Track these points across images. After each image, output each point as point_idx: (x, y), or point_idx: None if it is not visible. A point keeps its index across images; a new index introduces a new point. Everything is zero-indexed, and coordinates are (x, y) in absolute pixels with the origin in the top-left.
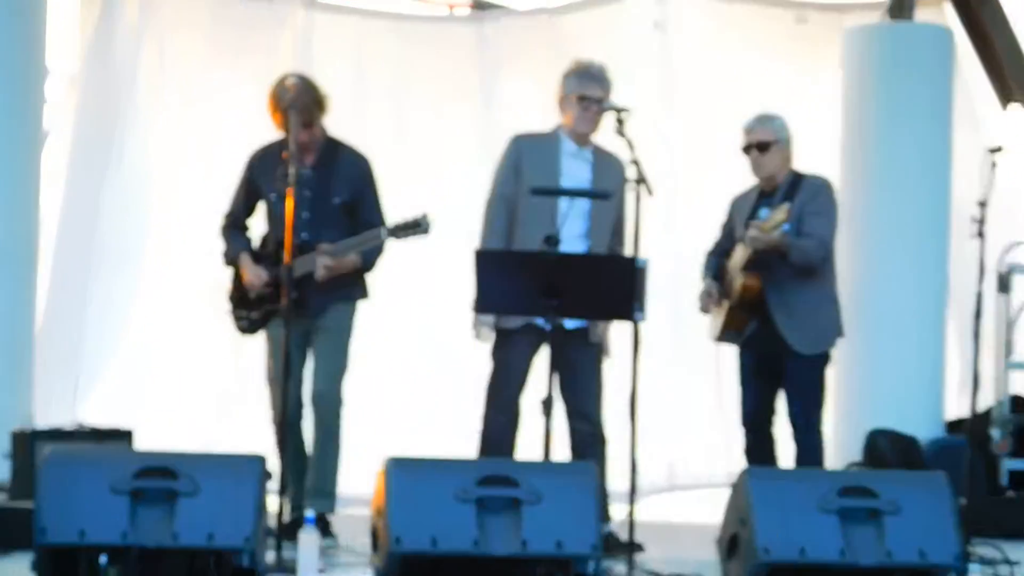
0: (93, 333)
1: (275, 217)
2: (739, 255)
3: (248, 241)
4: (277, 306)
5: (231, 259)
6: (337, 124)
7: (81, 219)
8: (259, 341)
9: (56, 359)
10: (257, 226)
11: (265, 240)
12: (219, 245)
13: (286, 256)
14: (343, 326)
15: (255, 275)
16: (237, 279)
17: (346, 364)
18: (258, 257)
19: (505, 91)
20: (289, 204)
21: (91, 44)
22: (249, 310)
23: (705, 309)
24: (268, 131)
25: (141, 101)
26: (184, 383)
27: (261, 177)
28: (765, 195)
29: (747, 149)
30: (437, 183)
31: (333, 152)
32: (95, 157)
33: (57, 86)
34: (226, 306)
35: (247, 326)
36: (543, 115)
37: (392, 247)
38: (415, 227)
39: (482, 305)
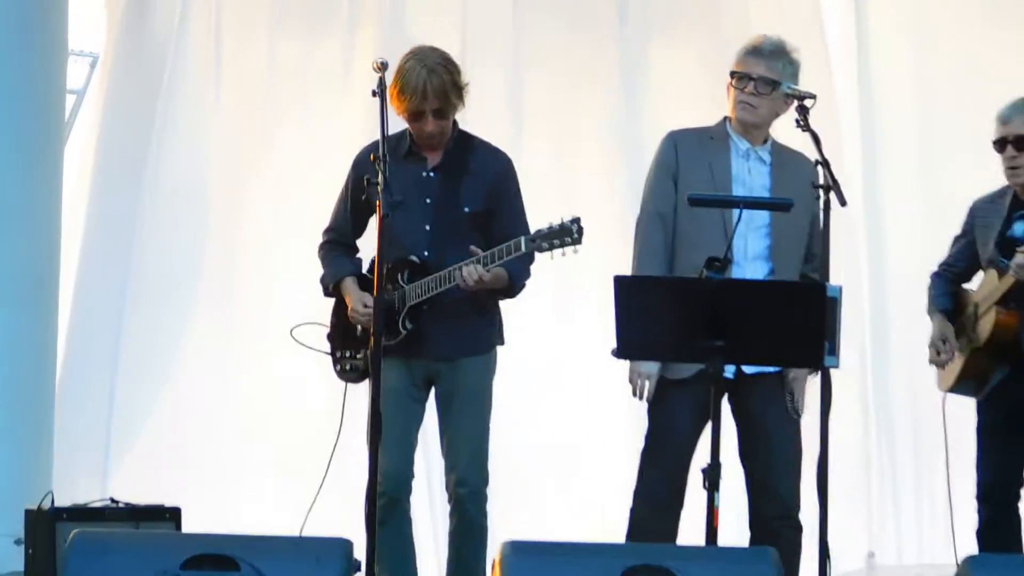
0: (127, 384)
1: (390, 234)
2: (990, 284)
3: (356, 264)
4: (391, 341)
5: (332, 286)
6: None
7: (111, 237)
8: (360, 390)
9: (81, 418)
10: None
11: (375, 264)
12: (316, 269)
13: (376, 282)
14: (482, 386)
15: (360, 302)
16: (340, 311)
17: (488, 436)
18: (366, 284)
19: (654, 73)
20: (382, 217)
21: (123, 18)
22: (355, 350)
23: (940, 363)
24: (361, 125)
25: (187, 88)
26: (243, 448)
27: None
28: (1021, 204)
29: (1000, 144)
30: (566, 189)
31: (464, 149)
32: (128, 158)
33: (80, 70)
34: (326, 347)
35: (352, 371)
36: (705, 105)
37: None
38: (564, 236)
39: (624, 347)
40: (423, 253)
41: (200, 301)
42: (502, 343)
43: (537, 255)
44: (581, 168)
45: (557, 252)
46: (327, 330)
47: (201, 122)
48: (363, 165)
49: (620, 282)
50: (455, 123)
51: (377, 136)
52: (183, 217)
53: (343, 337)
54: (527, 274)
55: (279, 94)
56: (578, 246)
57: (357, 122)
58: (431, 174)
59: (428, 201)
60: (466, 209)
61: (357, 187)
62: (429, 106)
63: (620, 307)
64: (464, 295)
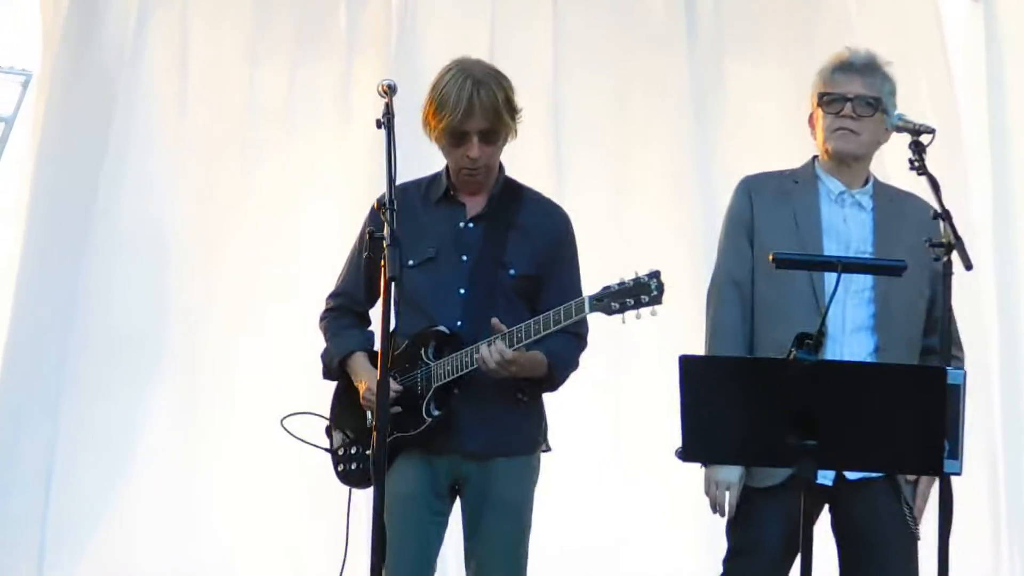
0: (65, 487)
1: (413, 297)
2: None
3: (368, 338)
4: (412, 431)
5: (337, 364)
6: None
7: (49, 293)
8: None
9: (5, 531)
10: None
11: (392, 336)
12: (311, 341)
13: (381, 360)
14: (521, 495)
15: (376, 383)
16: (344, 397)
17: (526, 561)
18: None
19: (731, 99)
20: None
21: (64, 27)
22: (364, 446)
23: None
24: (363, 163)
25: (145, 114)
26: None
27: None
28: None
29: None
30: (618, 243)
31: (512, 198)
32: (71, 197)
33: (9, 90)
34: (324, 441)
35: (360, 473)
36: (797, 139)
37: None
38: (639, 293)
39: (692, 447)
40: (455, 323)
41: (159, 376)
42: (547, 448)
43: (600, 319)
44: (638, 218)
45: (630, 314)
46: (326, 422)
47: (162, 155)
48: (383, 212)
49: (688, 364)
50: (501, 167)
51: (398, 178)
52: (139, 268)
53: (348, 429)
54: (573, 363)
55: (259, 124)
56: (657, 306)
57: (358, 160)
58: (470, 225)
59: (465, 259)
60: (512, 272)
61: (371, 241)
62: (475, 126)
63: (687, 396)
64: (508, 378)
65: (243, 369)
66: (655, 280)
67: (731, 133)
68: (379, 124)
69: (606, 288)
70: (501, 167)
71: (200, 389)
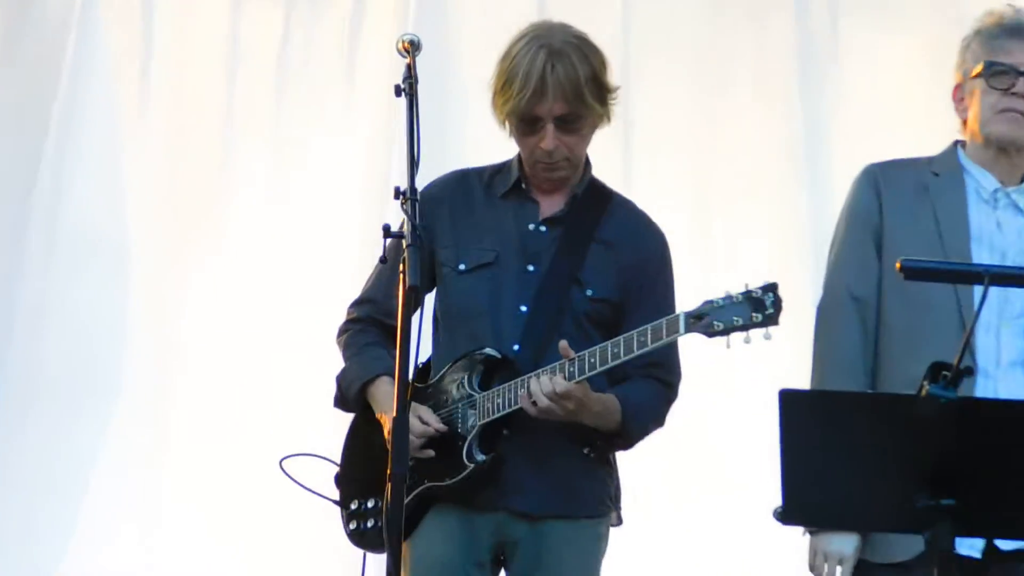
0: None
1: (461, 310)
2: None
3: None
4: (448, 481)
5: (357, 391)
6: None
7: None
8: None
9: None
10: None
11: (427, 367)
12: (322, 367)
13: (398, 392)
14: (584, 569)
15: (413, 420)
16: (360, 433)
17: None
18: (418, 392)
19: (848, 68)
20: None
21: None
22: (383, 499)
23: None
24: (373, 142)
25: (97, 89)
26: None
27: (444, 232)
28: None
29: None
30: (706, 245)
31: (597, 202)
32: (5, 194)
33: None
34: (334, 492)
35: (375, 531)
36: (930, 121)
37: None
38: (752, 311)
39: (795, 507)
40: (511, 346)
41: (116, 422)
42: (619, 521)
43: (696, 344)
44: (728, 219)
45: (738, 337)
46: (336, 466)
47: (119, 141)
48: (429, 206)
49: (789, 400)
50: (588, 163)
51: (422, 161)
52: (90, 284)
53: (365, 477)
54: (656, 417)
55: (242, 96)
56: (773, 327)
57: (366, 135)
58: (542, 228)
59: (532, 269)
60: (589, 292)
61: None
62: (549, 109)
63: (789, 441)
64: (573, 423)
65: (224, 400)
66: (771, 294)
67: (847, 114)
68: (398, 91)
69: (708, 303)
70: (588, 163)
71: (170, 425)
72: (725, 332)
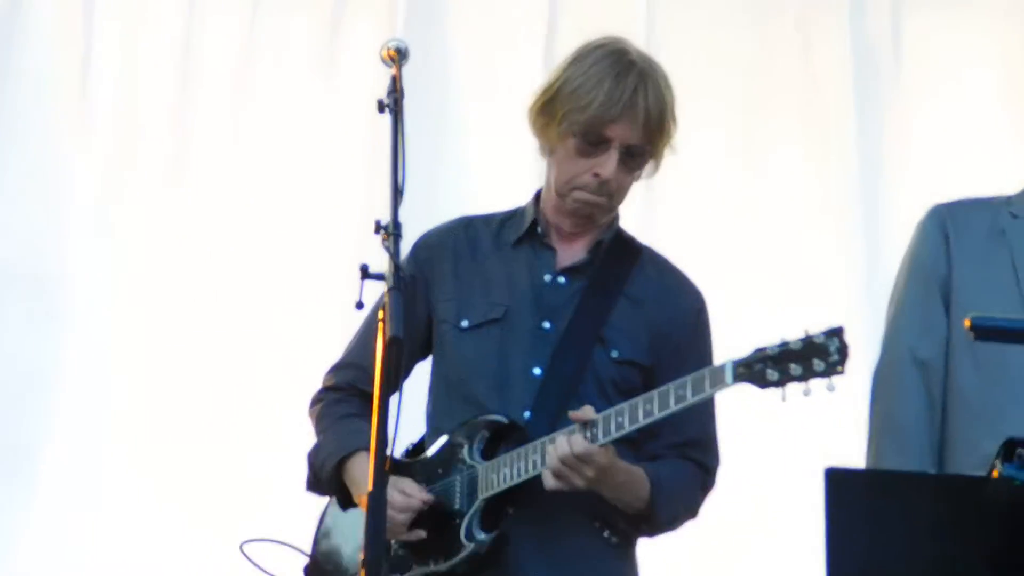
0: None
1: (460, 374)
2: None
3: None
4: (440, 567)
5: (332, 469)
6: None
7: None
8: None
9: None
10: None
11: (421, 446)
12: (300, 441)
13: (374, 464)
14: None
15: (394, 493)
16: (336, 518)
17: None
18: (406, 467)
19: (907, 66)
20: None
21: None
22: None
23: None
24: (364, 155)
25: (37, 72)
26: None
27: (445, 285)
28: None
29: None
30: (749, 286)
31: (625, 254)
32: None
33: None
34: None
35: None
36: (993, 152)
37: None
38: (813, 357)
39: None
40: (522, 413)
41: (41, 490)
42: None
43: (742, 397)
44: (764, 261)
45: (796, 388)
46: (305, 556)
47: (62, 131)
48: (425, 256)
49: (837, 480)
50: (616, 214)
51: (408, 189)
52: (11, 324)
53: (339, 569)
54: (689, 503)
55: (196, 111)
56: (837, 376)
57: (345, 154)
58: (560, 279)
59: (548, 326)
60: (615, 354)
61: (415, 291)
62: (623, 134)
63: (836, 526)
64: (591, 499)
65: (164, 475)
66: (836, 339)
67: (910, 145)
68: (381, 106)
69: (759, 350)
70: (616, 214)
71: (101, 501)
72: (781, 383)
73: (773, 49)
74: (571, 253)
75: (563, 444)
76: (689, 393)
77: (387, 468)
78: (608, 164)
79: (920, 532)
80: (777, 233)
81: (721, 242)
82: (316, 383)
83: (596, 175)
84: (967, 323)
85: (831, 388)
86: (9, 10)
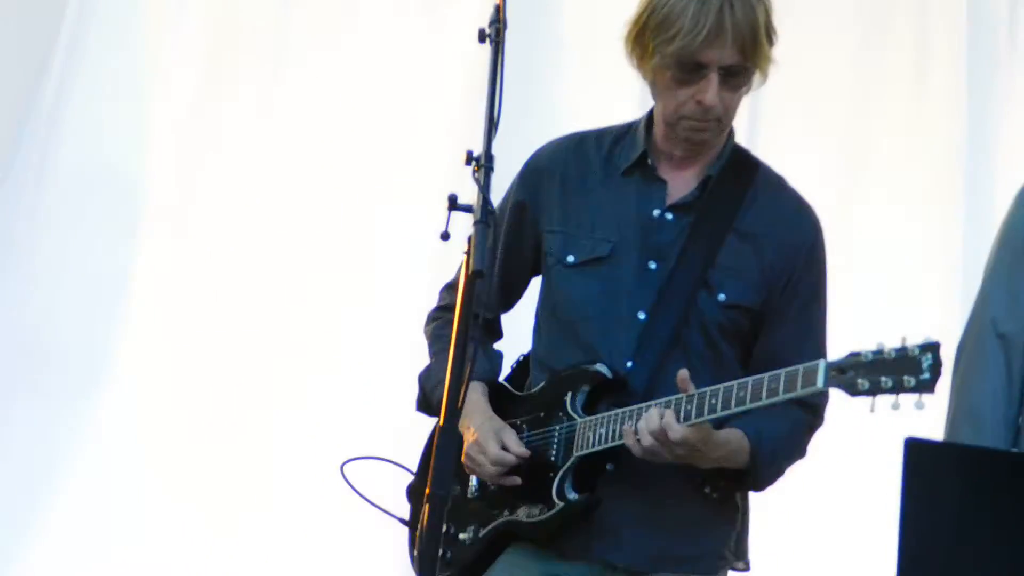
0: None
1: (566, 312)
2: None
3: (493, 358)
4: (529, 519)
5: (440, 394)
6: None
7: None
8: None
9: None
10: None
11: (525, 365)
12: (412, 365)
13: (447, 399)
14: None
15: (493, 439)
16: (439, 447)
17: None
18: (511, 400)
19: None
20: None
21: None
22: (461, 525)
23: None
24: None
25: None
26: None
27: (553, 214)
28: None
29: None
30: (850, 267)
31: (742, 180)
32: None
33: None
34: (403, 507)
35: (450, 564)
36: None
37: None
38: (903, 371)
39: (914, 572)
40: (624, 362)
41: (102, 408)
42: (745, 566)
43: (842, 400)
44: (869, 236)
45: (885, 400)
46: (411, 474)
47: (138, 64)
48: (534, 181)
49: (916, 452)
50: (731, 131)
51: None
52: (88, 229)
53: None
54: (796, 450)
55: (298, 19)
56: (928, 395)
57: (449, 86)
58: (668, 215)
59: (654, 266)
60: (721, 297)
61: (522, 218)
62: (719, 57)
63: (912, 498)
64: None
65: (229, 396)
66: (930, 355)
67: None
68: (482, 36)
69: (854, 355)
70: (731, 130)
71: (161, 418)
72: (871, 393)
73: (883, 32)
74: (682, 185)
75: (654, 420)
76: (781, 388)
77: (460, 404)
78: (709, 90)
79: (995, 507)
80: (880, 196)
81: (828, 193)
82: (410, 311)
83: (699, 102)
84: None
85: (919, 406)
86: None
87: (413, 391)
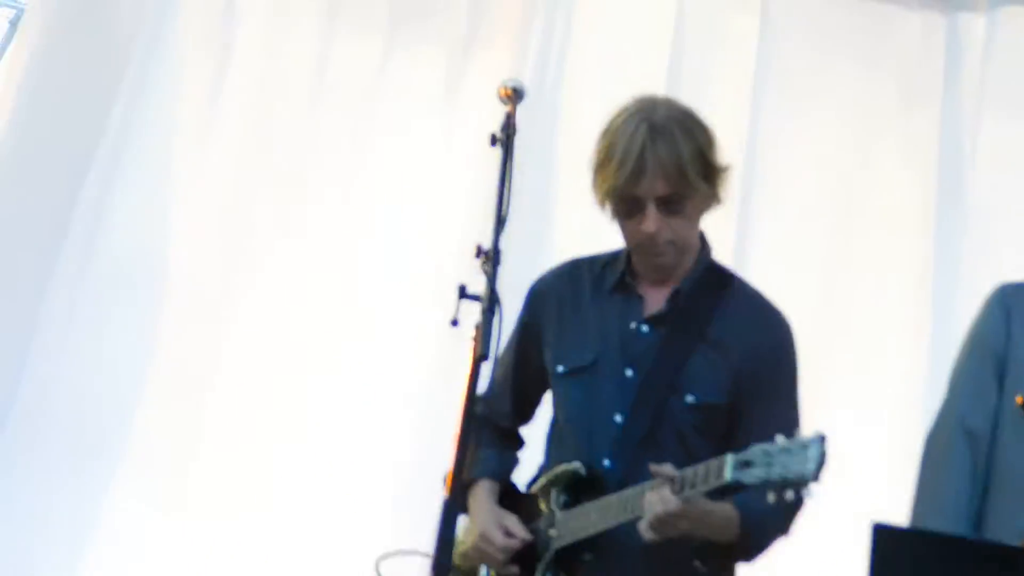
0: None
1: (569, 412)
2: None
3: (506, 463)
4: None
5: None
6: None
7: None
8: None
9: None
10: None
11: (543, 470)
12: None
13: (452, 480)
14: None
15: (496, 526)
16: (442, 518)
17: None
18: (516, 499)
19: (986, 167)
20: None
21: None
22: None
23: None
24: (470, 190)
25: (168, 87)
26: None
27: (551, 331)
28: None
29: None
30: (826, 345)
31: (713, 293)
32: (46, 188)
33: None
34: None
35: None
36: None
37: None
38: (793, 462)
39: None
40: (602, 461)
41: (126, 466)
42: None
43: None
44: (842, 322)
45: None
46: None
47: (177, 161)
48: (536, 304)
49: (883, 538)
50: (705, 245)
51: (512, 216)
52: (121, 305)
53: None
54: (781, 525)
55: (323, 116)
56: (811, 487)
57: (458, 186)
58: (644, 328)
59: (630, 374)
60: (689, 400)
61: (530, 336)
62: (650, 189)
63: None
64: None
65: (252, 461)
66: (814, 449)
67: (991, 219)
68: (494, 140)
69: (755, 447)
70: (705, 245)
71: (187, 483)
72: (764, 484)
73: (871, 134)
74: (657, 299)
75: (657, 503)
76: (699, 481)
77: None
78: (646, 221)
79: None
80: (850, 294)
81: (795, 276)
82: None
83: (642, 231)
84: (1019, 400)
85: (808, 494)
86: (155, 17)
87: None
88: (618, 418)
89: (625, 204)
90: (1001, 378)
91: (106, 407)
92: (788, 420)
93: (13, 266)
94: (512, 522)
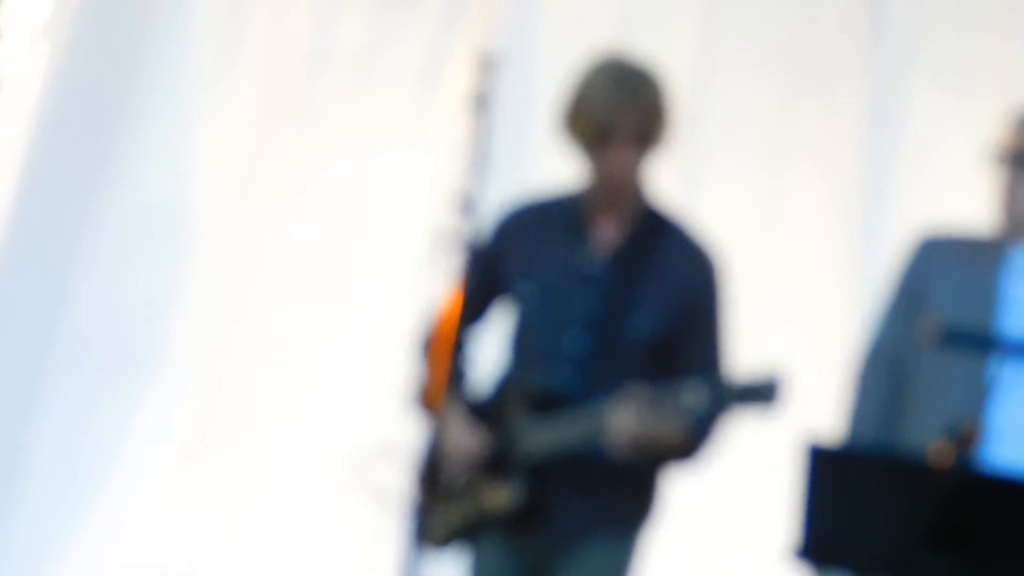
0: (32, 522)
1: (529, 334)
2: None
3: (470, 378)
4: (494, 508)
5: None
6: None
7: (32, 280)
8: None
9: None
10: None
11: (505, 385)
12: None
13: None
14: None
15: (462, 438)
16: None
17: None
18: (482, 410)
19: (912, 132)
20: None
21: None
22: (446, 502)
23: None
24: (451, 152)
25: (185, 71)
26: None
27: (515, 257)
28: None
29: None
30: (764, 314)
31: (654, 232)
32: (78, 169)
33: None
34: (413, 491)
35: (440, 532)
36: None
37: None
38: (756, 394)
39: (813, 546)
40: (569, 379)
41: (149, 406)
42: (651, 519)
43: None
44: (780, 261)
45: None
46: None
47: (196, 118)
48: (508, 232)
49: (818, 455)
50: (648, 188)
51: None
52: (148, 256)
53: (431, 480)
54: (714, 422)
55: (324, 94)
56: (767, 405)
57: (443, 148)
58: (597, 260)
59: (586, 303)
60: (642, 328)
61: (491, 262)
62: (622, 126)
63: (812, 490)
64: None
65: (270, 397)
66: (771, 383)
67: (912, 169)
68: (471, 105)
69: (738, 383)
70: (643, 189)
71: (209, 421)
72: (715, 411)
73: (804, 84)
74: (609, 235)
75: (630, 419)
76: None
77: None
78: (615, 153)
79: (875, 498)
80: (786, 235)
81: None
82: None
83: (610, 165)
84: (927, 328)
85: (767, 411)
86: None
87: None
88: (578, 344)
89: (594, 137)
90: (918, 305)
91: (135, 338)
92: (717, 348)
93: (55, 219)
94: (477, 430)
